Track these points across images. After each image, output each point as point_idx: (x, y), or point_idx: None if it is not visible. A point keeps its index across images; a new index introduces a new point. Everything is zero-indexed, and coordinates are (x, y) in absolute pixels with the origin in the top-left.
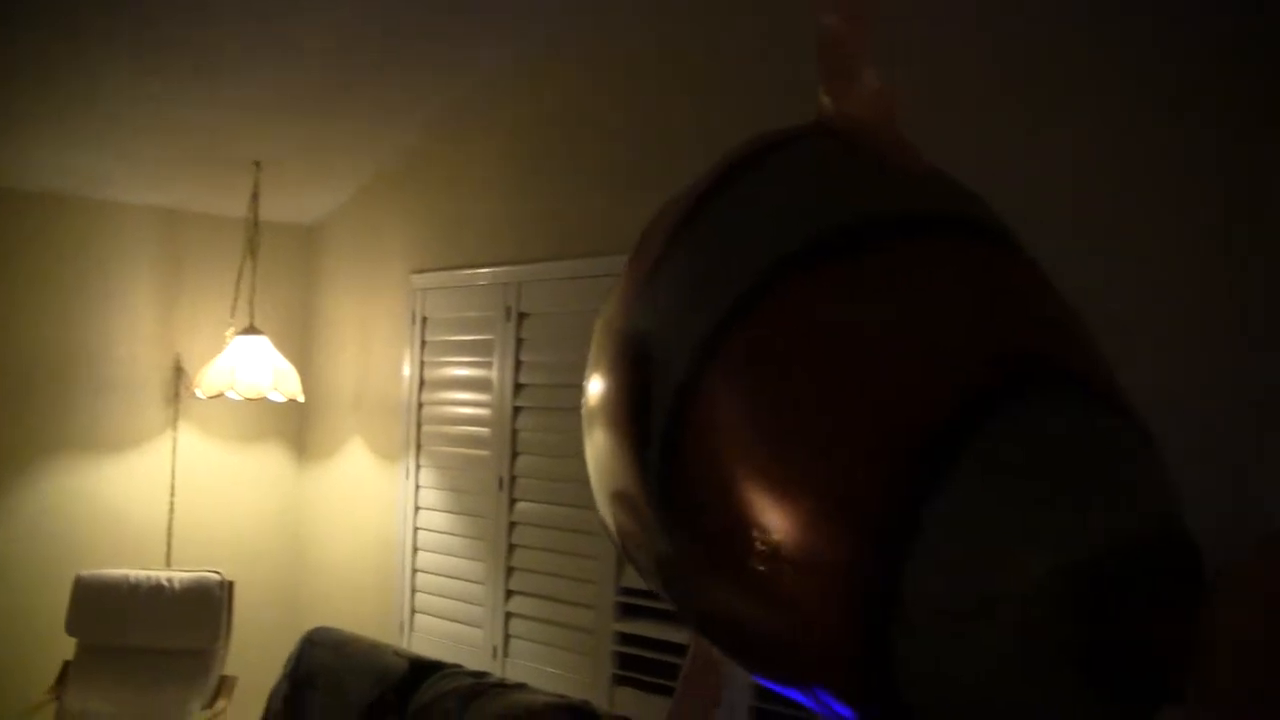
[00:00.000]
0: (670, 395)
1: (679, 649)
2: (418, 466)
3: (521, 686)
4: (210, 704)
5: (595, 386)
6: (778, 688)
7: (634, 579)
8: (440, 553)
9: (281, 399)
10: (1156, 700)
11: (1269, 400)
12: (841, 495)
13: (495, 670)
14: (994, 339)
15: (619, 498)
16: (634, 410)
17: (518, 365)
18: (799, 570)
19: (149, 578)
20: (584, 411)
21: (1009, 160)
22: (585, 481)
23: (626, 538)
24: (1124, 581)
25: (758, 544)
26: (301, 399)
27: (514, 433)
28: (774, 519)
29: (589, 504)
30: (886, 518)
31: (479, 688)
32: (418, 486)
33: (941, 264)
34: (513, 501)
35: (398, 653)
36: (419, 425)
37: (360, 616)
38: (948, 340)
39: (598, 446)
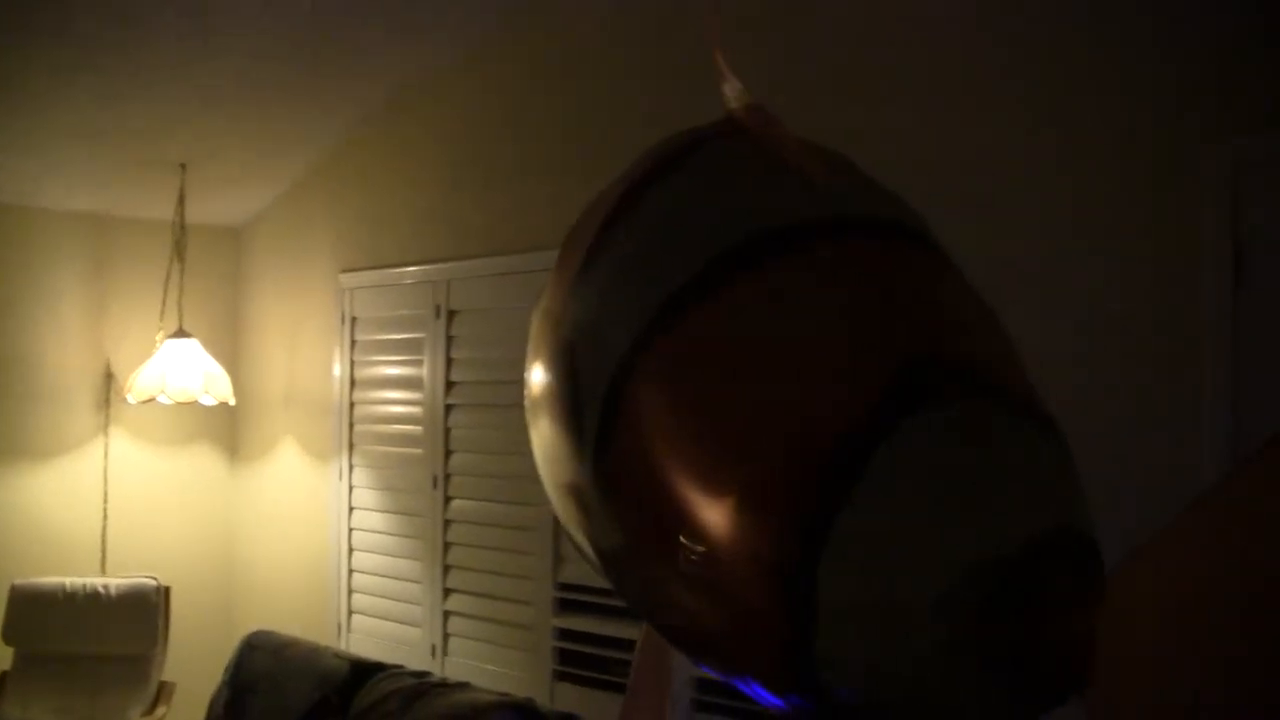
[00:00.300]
0: (602, 391)
1: (618, 643)
2: (351, 466)
3: (464, 685)
4: (150, 710)
5: (536, 377)
6: (719, 676)
7: (572, 574)
8: (376, 552)
9: (213, 402)
10: (1061, 694)
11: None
12: (760, 498)
13: (435, 669)
14: (904, 343)
15: (565, 489)
16: (571, 404)
17: (449, 363)
18: (725, 568)
19: (85, 585)
20: (527, 403)
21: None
22: (520, 477)
23: (574, 528)
24: (1028, 583)
25: (684, 540)
26: (232, 401)
27: (447, 430)
28: (700, 516)
29: (525, 500)
30: (802, 520)
31: (421, 688)
32: (351, 486)
33: (858, 266)
34: (447, 499)
35: (338, 655)
36: (351, 425)
37: (297, 618)
38: (861, 344)
39: (543, 438)
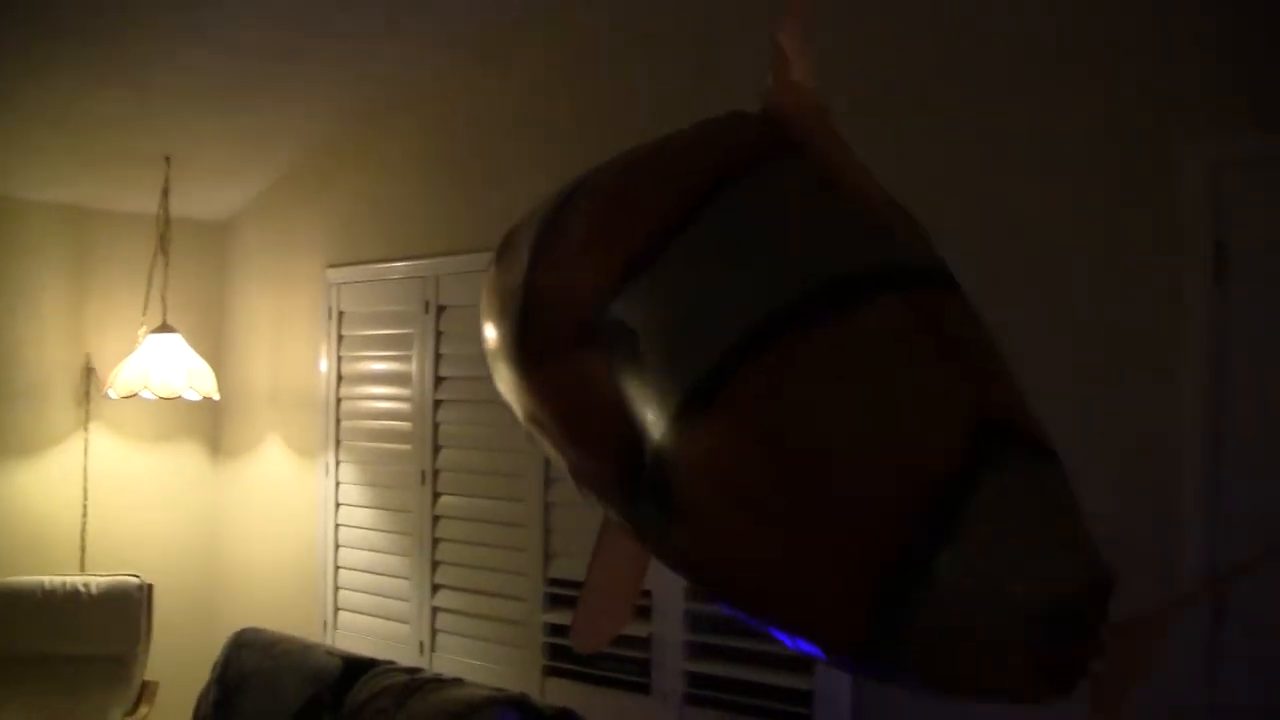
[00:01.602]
0: (676, 400)
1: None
2: (337, 462)
3: (458, 681)
4: (133, 710)
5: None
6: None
7: (562, 570)
8: (363, 549)
9: (196, 397)
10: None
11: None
12: (862, 525)
13: (424, 666)
14: (972, 407)
15: (583, 478)
16: (621, 435)
17: (438, 358)
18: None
19: (64, 584)
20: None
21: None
22: (510, 474)
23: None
24: (1075, 616)
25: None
26: (216, 397)
27: (436, 426)
28: (786, 552)
29: (514, 496)
30: (905, 547)
31: (414, 684)
32: (338, 483)
33: (911, 326)
34: (436, 495)
35: (330, 652)
36: (338, 421)
37: (283, 616)
38: (933, 409)
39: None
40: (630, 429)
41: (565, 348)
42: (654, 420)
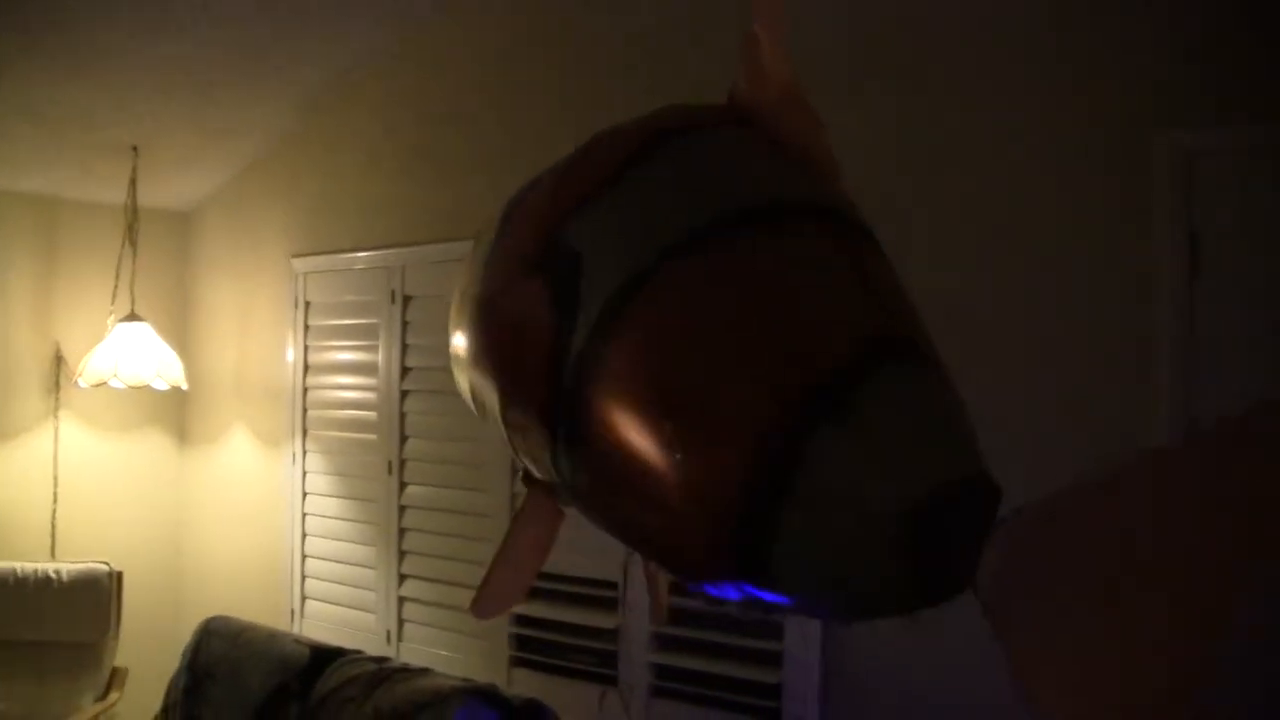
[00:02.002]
0: (593, 312)
1: (576, 630)
2: (304, 452)
3: (426, 671)
4: (103, 695)
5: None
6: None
7: None
8: (330, 538)
9: (165, 386)
10: (953, 595)
11: None
12: (737, 429)
13: (391, 655)
14: (861, 321)
15: (515, 425)
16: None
17: (404, 349)
18: (693, 480)
19: (35, 570)
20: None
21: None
22: (476, 465)
23: (516, 446)
24: (953, 513)
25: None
26: (185, 386)
27: (402, 416)
28: (680, 432)
29: (481, 486)
30: (779, 446)
31: (382, 674)
32: (304, 472)
33: (823, 250)
34: (402, 485)
35: (298, 640)
36: (304, 410)
37: (250, 604)
38: (826, 319)
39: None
40: (557, 348)
41: (511, 283)
42: (581, 333)
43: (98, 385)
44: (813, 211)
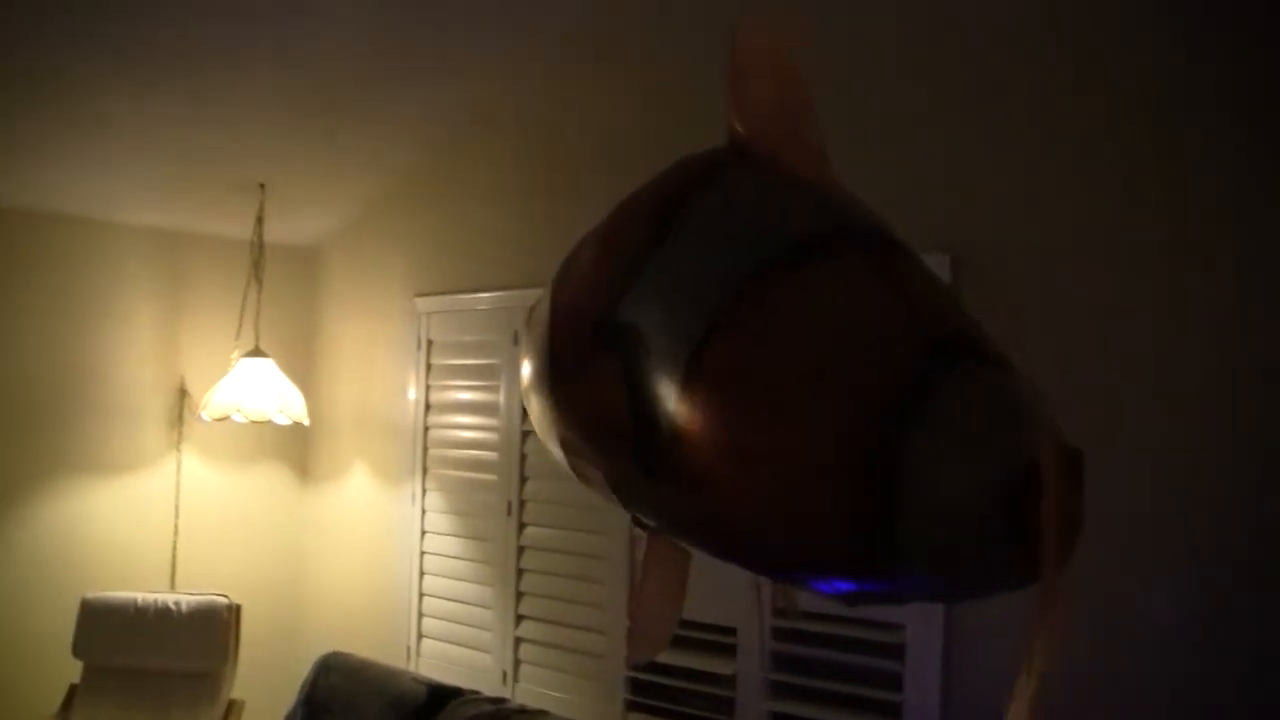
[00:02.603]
0: (673, 375)
1: (692, 674)
2: (424, 490)
3: (543, 714)
4: None
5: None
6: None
7: None
8: (448, 577)
9: (287, 421)
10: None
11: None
12: (834, 450)
13: (507, 696)
14: (922, 329)
15: (618, 484)
16: (628, 399)
17: None
18: (804, 514)
19: (156, 600)
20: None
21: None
22: (596, 507)
23: (590, 479)
24: (1035, 486)
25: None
26: (306, 422)
27: (523, 457)
28: (791, 432)
29: (599, 529)
30: (879, 447)
31: (500, 715)
32: (424, 510)
33: (864, 272)
34: (521, 526)
35: (416, 679)
36: (425, 449)
37: (366, 640)
38: (886, 335)
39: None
40: (642, 420)
41: (585, 358)
42: (666, 398)
43: (221, 419)
44: (847, 237)
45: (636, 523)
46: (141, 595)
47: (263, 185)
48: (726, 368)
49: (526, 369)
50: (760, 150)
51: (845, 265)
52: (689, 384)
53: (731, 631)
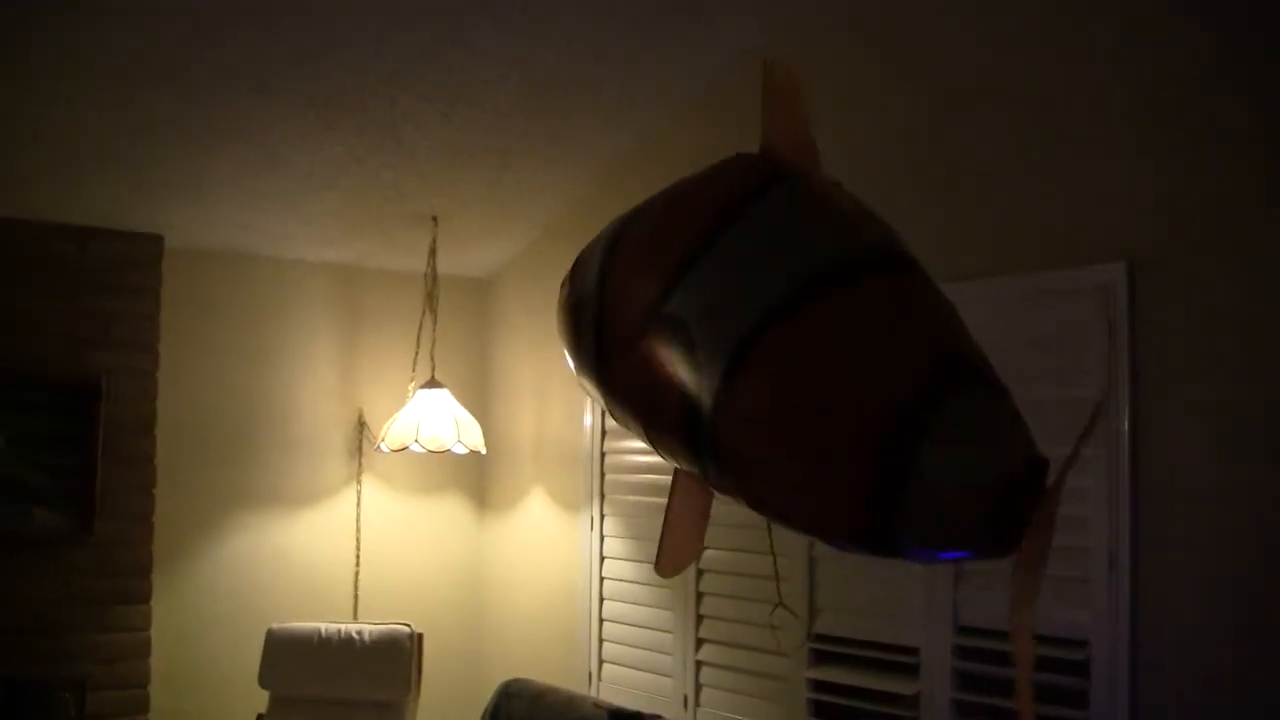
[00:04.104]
0: (729, 348)
1: (875, 696)
2: (602, 516)
3: None
4: None
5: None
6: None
7: (828, 625)
8: (627, 602)
9: (464, 451)
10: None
11: None
12: (858, 443)
13: None
14: (930, 348)
15: (663, 446)
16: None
17: None
18: (819, 498)
19: (339, 630)
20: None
21: None
22: (776, 529)
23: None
24: (1022, 487)
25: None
26: (484, 451)
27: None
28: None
29: (780, 551)
30: (893, 449)
31: None
32: (602, 536)
33: (887, 295)
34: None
35: (597, 704)
36: (602, 475)
37: (547, 667)
38: (903, 353)
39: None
40: (687, 399)
41: (633, 341)
42: (706, 387)
43: (399, 450)
44: (870, 264)
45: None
46: (325, 625)
47: (435, 218)
48: (764, 368)
49: (571, 345)
50: (791, 162)
51: (869, 290)
52: (730, 374)
53: (914, 651)
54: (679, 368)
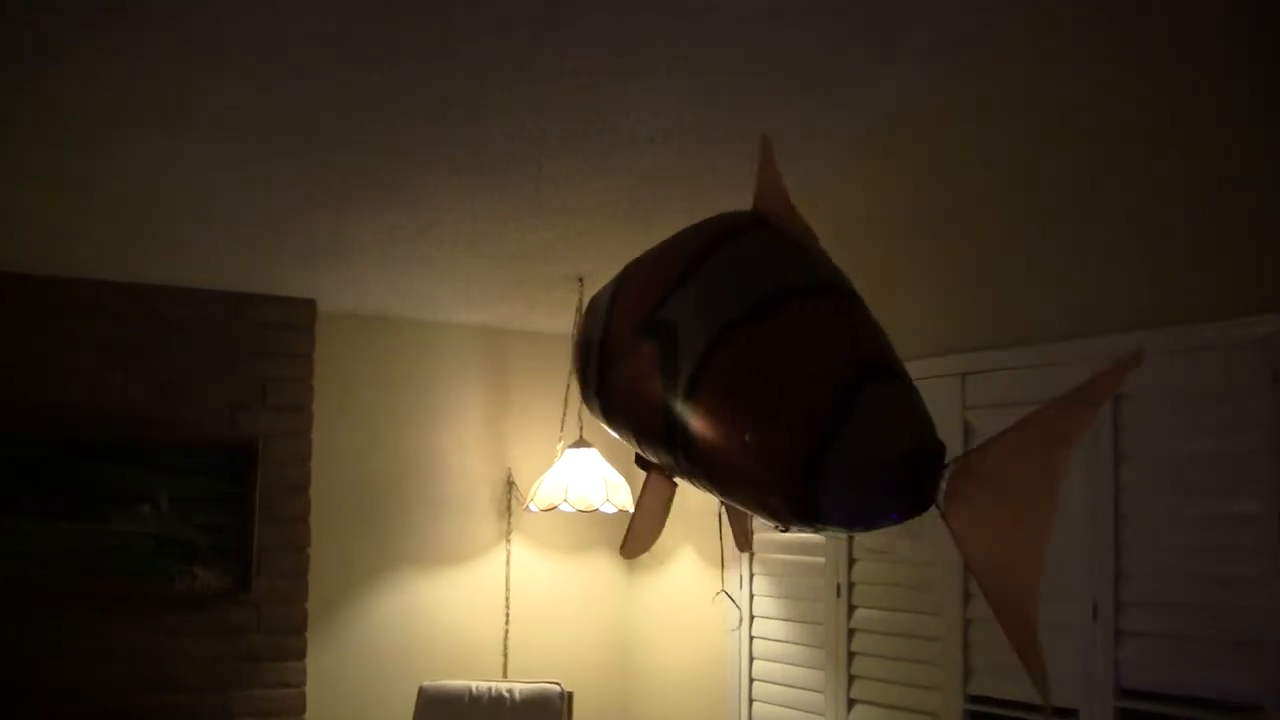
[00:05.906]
0: (690, 366)
1: None
2: (751, 575)
3: None
4: None
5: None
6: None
7: (983, 686)
8: (778, 661)
9: (613, 510)
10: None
11: None
12: (791, 428)
13: None
14: (857, 355)
15: (648, 446)
16: (663, 374)
17: None
18: (761, 463)
19: (490, 689)
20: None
21: None
22: (926, 588)
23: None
24: (923, 461)
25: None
26: (632, 510)
27: (851, 539)
28: (753, 437)
29: (932, 610)
30: (821, 429)
31: None
32: (752, 595)
33: (828, 314)
34: (851, 608)
35: None
36: (751, 532)
37: None
38: (836, 354)
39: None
40: (665, 390)
41: (624, 354)
42: (683, 375)
43: (548, 510)
44: (821, 288)
45: (638, 461)
46: (476, 684)
47: (581, 279)
48: (724, 365)
49: (581, 378)
50: (773, 217)
51: (815, 306)
52: (697, 373)
53: (1072, 714)
54: (660, 365)
